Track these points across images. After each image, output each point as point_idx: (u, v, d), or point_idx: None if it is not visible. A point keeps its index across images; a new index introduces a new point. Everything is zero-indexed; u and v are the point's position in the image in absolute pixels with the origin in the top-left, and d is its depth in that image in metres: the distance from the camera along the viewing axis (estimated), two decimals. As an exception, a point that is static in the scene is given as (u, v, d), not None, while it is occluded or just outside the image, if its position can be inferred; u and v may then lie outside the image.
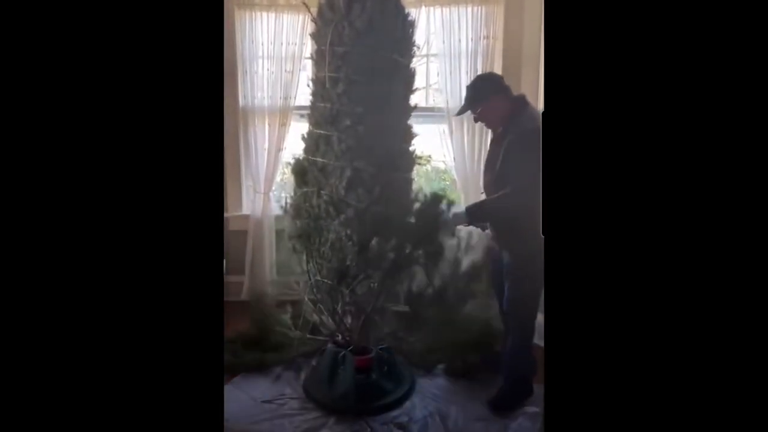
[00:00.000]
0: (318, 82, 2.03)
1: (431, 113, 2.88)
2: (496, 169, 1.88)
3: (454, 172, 2.90)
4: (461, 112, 2.06)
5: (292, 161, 2.18)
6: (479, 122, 2.03)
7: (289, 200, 2.19)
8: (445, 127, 2.84)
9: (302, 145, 2.13)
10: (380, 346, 2.13)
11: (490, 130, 2.12)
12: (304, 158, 2.10)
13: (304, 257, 2.11)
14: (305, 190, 2.03)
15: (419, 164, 2.19)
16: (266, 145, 3.00)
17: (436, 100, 3.01)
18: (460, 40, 2.73)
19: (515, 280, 1.93)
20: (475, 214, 1.91)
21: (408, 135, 2.11)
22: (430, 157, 2.22)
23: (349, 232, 1.88)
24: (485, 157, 2.09)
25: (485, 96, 1.93)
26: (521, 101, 1.93)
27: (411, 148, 2.12)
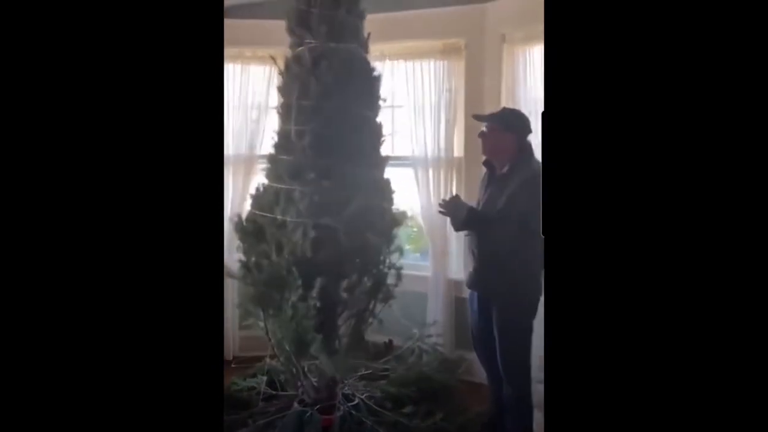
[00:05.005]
0: (282, 135, 2.02)
1: (397, 161, 2.91)
2: (498, 209, 1.88)
3: (420, 219, 2.91)
4: (479, 118, 2.04)
5: (235, 218, 2.02)
6: (481, 139, 2.01)
7: (236, 261, 2.04)
8: (411, 173, 2.87)
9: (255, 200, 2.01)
10: (350, 403, 2.04)
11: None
12: (256, 215, 1.99)
13: (261, 321, 2.00)
14: (263, 247, 1.94)
15: (401, 224, 2.06)
16: (230, 195, 2.94)
17: (402, 149, 3.05)
18: (423, 93, 2.80)
19: (509, 329, 1.92)
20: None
21: (386, 190, 2.04)
22: (412, 217, 2.13)
23: (318, 304, 1.80)
24: (479, 198, 2.08)
25: (511, 125, 1.94)
26: (530, 149, 1.97)
27: (392, 206, 2.04)
